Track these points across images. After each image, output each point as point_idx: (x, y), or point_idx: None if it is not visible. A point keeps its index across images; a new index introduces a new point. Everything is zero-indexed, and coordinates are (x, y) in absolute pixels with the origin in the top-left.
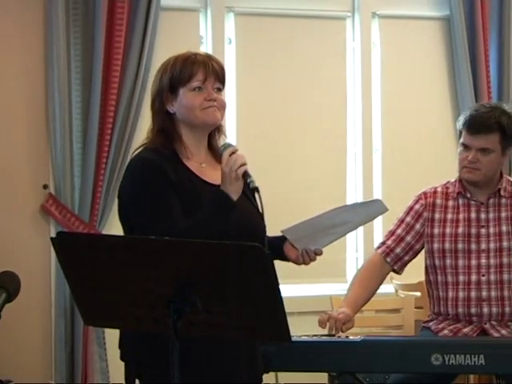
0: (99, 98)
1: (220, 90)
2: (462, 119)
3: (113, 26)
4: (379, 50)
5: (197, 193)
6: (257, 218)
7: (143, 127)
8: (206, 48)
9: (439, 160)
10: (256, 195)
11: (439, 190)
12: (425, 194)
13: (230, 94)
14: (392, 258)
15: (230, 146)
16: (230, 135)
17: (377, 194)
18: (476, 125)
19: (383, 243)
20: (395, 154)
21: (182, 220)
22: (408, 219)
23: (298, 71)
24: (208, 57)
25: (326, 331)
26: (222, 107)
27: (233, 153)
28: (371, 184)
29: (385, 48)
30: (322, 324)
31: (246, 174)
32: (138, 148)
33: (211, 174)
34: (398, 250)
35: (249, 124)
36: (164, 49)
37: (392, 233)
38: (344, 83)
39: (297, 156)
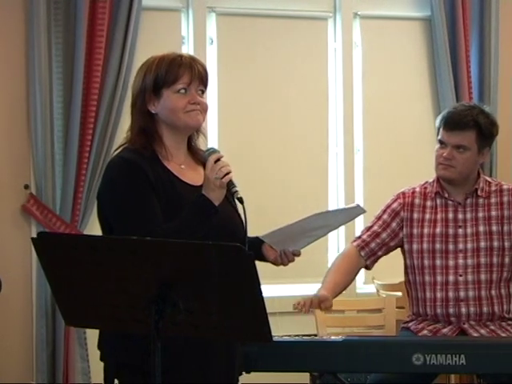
0: (80, 97)
1: (203, 91)
2: (440, 117)
3: (94, 25)
4: (360, 50)
5: (177, 194)
6: (236, 219)
7: (125, 127)
8: (187, 48)
9: (420, 160)
10: (240, 206)
11: (417, 190)
12: (403, 193)
13: (211, 93)
14: (366, 252)
15: (215, 151)
16: (211, 135)
17: (358, 194)
18: (453, 122)
19: (359, 237)
20: (377, 154)
21: (162, 222)
22: (385, 217)
23: (279, 71)
24: (193, 59)
25: (308, 331)
26: (204, 110)
27: (218, 159)
28: (353, 184)
29: (366, 48)
30: (298, 306)
31: (230, 183)
32: (118, 148)
33: (191, 176)
34: (372, 245)
35: (230, 124)
36: (146, 49)
37: (368, 228)
38: (325, 83)
39: (278, 156)
